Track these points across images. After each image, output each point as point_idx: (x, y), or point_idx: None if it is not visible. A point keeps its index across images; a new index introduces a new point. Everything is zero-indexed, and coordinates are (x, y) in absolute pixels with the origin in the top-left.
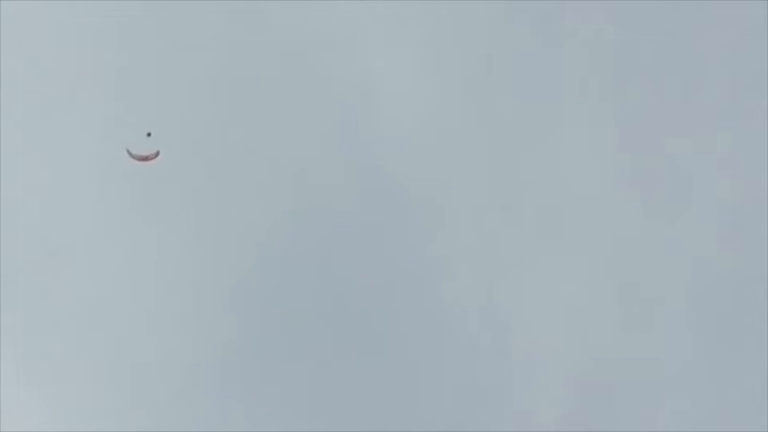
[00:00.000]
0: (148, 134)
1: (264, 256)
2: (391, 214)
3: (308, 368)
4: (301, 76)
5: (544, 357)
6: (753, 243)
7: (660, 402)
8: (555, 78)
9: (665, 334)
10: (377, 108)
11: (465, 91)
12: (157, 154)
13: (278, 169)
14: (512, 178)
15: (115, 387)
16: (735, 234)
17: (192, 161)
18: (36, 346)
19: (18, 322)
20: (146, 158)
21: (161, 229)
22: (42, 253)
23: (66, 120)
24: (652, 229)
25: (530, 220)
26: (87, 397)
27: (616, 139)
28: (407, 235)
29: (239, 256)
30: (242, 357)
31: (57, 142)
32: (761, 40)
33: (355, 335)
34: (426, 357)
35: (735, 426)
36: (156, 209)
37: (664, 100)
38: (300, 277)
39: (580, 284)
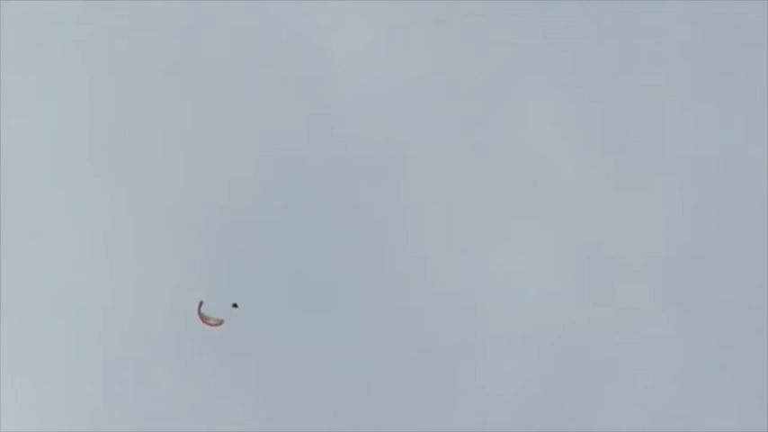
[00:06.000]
0: (234, 305)
1: (231, 220)
2: (355, 177)
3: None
4: (255, 36)
5: (512, 323)
6: (728, 212)
7: (630, 370)
8: (527, 38)
9: (635, 301)
10: (338, 67)
11: (430, 50)
12: (221, 323)
13: (241, 131)
14: (480, 141)
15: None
16: (708, 202)
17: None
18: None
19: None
20: (208, 321)
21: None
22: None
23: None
24: (624, 194)
25: (498, 184)
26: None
27: (588, 102)
28: (372, 197)
29: (204, 222)
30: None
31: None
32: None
33: (314, 293)
34: (388, 319)
35: (705, 390)
36: (131, 163)
37: (640, 60)
38: (268, 237)
39: (549, 250)
